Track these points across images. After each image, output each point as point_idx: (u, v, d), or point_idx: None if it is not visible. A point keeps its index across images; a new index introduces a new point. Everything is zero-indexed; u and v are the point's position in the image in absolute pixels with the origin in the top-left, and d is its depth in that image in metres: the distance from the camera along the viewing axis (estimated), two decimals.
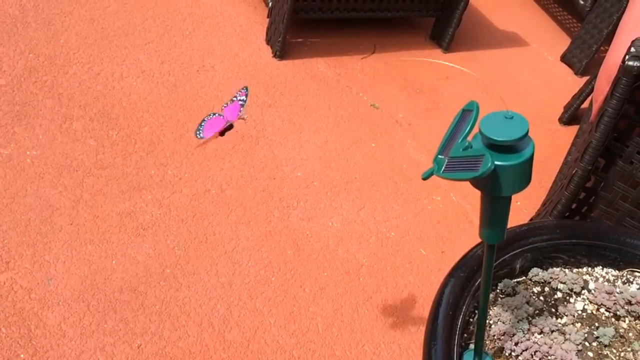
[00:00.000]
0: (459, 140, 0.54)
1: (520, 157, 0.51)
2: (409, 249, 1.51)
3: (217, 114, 0.88)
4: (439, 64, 2.24)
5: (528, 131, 0.51)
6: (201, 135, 0.87)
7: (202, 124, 0.87)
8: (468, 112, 0.55)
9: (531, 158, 0.52)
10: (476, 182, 0.54)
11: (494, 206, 0.57)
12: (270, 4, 1.99)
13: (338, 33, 2.19)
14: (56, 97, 1.57)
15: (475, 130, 0.54)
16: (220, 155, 1.57)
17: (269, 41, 2.01)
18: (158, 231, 1.35)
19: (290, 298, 1.31)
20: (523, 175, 0.53)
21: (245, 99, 0.86)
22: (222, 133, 0.87)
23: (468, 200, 1.70)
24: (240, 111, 0.85)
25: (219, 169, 1.53)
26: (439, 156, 0.55)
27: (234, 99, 0.86)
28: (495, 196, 0.54)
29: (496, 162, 0.51)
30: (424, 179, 0.54)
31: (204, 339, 1.19)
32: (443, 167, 0.54)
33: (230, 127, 0.87)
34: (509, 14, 2.79)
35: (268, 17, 2.01)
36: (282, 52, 1.96)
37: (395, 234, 1.54)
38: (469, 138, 0.54)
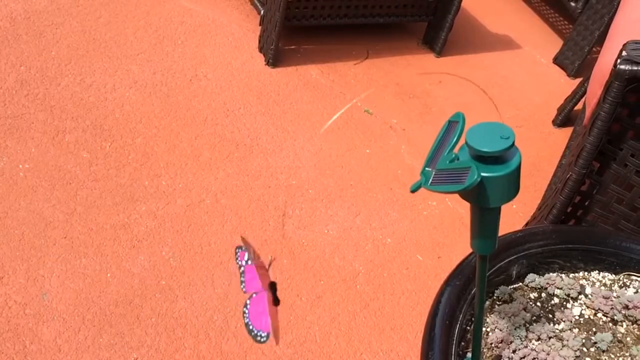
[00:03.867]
0: (446, 153, 0.53)
1: (507, 168, 0.51)
2: (406, 255, 1.50)
3: (249, 301, 0.64)
4: (431, 68, 2.24)
5: (514, 142, 0.51)
6: (263, 334, 0.61)
7: (251, 327, 0.62)
8: (454, 124, 0.55)
9: (518, 169, 0.52)
10: (464, 194, 0.54)
11: (484, 217, 0.57)
12: (262, 11, 1.99)
13: (331, 39, 2.19)
14: (48, 110, 1.56)
15: (462, 141, 0.54)
16: (215, 164, 1.57)
17: (261, 49, 2.00)
18: (153, 242, 1.34)
19: (287, 307, 1.31)
20: (510, 186, 0.52)
21: (249, 254, 0.64)
22: (276, 302, 0.62)
23: (463, 205, 1.69)
24: (257, 266, 0.63)
25: (213, 179, 1.53)
26: (426, 168, 0.55)
27: (241, 268, 0.65)
28: (484, 207, 0.54)
29: (483, 174, 0.50)
30: (413, 191, 0.53)
31: (200, 350, 1.18)
32: (430, 180, 0.53)
33: (274, 287, 0.63)
34: (500, 17, 2.79)
35: (260, 24, 2.01)
36: (275, 59, 1.96)
37: (391, 240, 1.53)
38: (456, 150, 0.54)
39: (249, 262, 0.64)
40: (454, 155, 0.53)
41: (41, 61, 1.70)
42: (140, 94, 1.70)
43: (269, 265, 0.64)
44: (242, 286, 0.64)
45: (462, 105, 2.10)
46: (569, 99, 2.11)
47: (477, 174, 0.49)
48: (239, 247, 0.64)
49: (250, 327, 0.62)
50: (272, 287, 0.62)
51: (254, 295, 0.63)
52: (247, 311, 0.62)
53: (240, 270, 0.64)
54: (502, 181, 0.51)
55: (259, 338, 0.61)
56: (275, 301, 0.62)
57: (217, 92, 1.80)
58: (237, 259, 0.65)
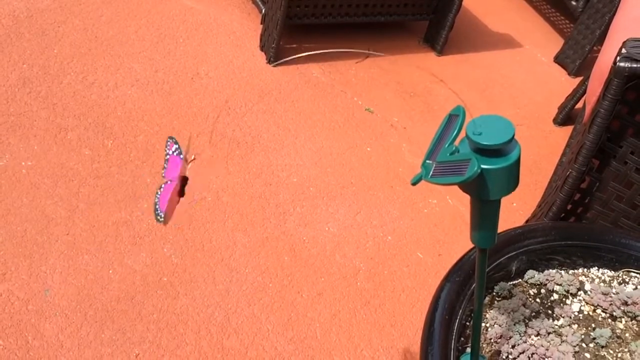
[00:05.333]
0: (446, 145, 0.54)
1: (507, 160, 0.52)
2: (406, 253, 1.51)
3: (163, 185, 0.74)
4: (432, 67, 2.24)
5: (514, 135, 0.51)
6: (162, 217, 0.73)
7: (157, 205, 0.72)
8: (455, 117, 0.56)
9: (518, 161, 0.53)
10: (464, 186, 0.54)
11: (484, 210, 0.57)
12: (263, 10, 2.00)
13: (332, 38, 2.20)
14: (51, 107, 1.57)
15: (462, 134, 0.54)
16: (216, 162, 1.57)
17: (263, 47, 2.01)
18: (154, 240, 1.35)
19: (287, 304, 1.31)
20: (510, 178, 0.53)
21: (178, 147, 0.73)
22: (181, 193, 0.74)
23: (464, 202, 1.70)
24: (182, 159, 0.73)
25: (215, 176, 1.53)
26: (427, 161, 0.56)
27: (167, 156, 0.74)
28: (483, 200, 0.55)
29: (482, 166, 0.51)
30: (413, 184, 0.54)
31: (202, 347, 1.19)
32: (431, 172, 0.54)
33: (185, 181, 0.74)
34: (502, 16, 2.80)
35: (262, 23, 2.02)
36: (276, 58, 1.96)
37: (392, 237, 1.54)
38: (456, 142, 0.55)
39: (175, 153, 0.72)
40: (454, 148, 0.53)
41: (43, 59, 1.70)
42: (142, 91, 1.71)
43: (189, 162, 0.73)
44: (163, 171, 0.73)
45: (463, 103, 2.10)
46: (570, 97, 2.11)
47: (477, 165, 0.50)
48: (171, 138, 0.72)
49: (157, 206, 0.71)
50: (183, 180, 0.73)
51: (169, 182, 0.72)
52: (159, 192, 0.72)
53: (166, 158, 0.72)
54: (502, 173, 0.52)
55: (157, 216, 0.72)
56: (181, 192, 0.73)
57: (218, 90, 1.80)
58: (166, 147, 0.73)
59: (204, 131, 1.65)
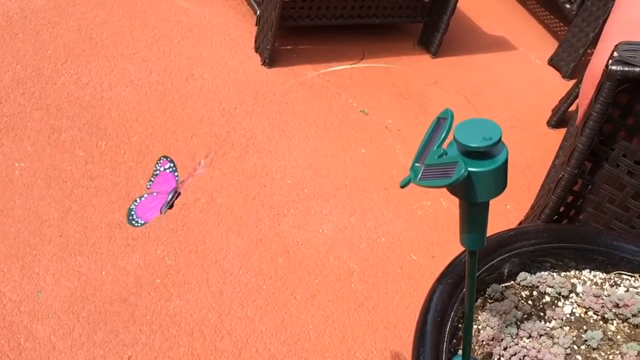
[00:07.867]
0: (434, 148, 0.54)
1: (494, 163, 0.52)
2: (400, 255, 1.51)
3: (146, 195, 0.78)
4: (427, 69, 2.25)
5: (501, 137, 0.52)
6: (140, 221, 0.78)
7: (133, 212, 0.78)
8: (443, 120, 0.56)
9: (505, 164, 0.53)
10: (452, 189, 0.55)
11: (472, 212, 0.58)
12: (258, 12, 2.00)
13: (327, 40, 2.20)
14: (44, 108, 1.57)
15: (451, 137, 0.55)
16: (210, 163, 1.57)
17: (257, 49, 2.01)
18: (148, 241, 1.34)
19: (281, 306, 1.31)
20: (497, 181, 0.53)
21: (172, 166, 0.78)
22: (171, 205, 0.78)
23: (458, 205, 1.70)
24: (176, 177, 0.78)
25: (208, 178, 1.53)
26: (416, 164, 0.56)
27: (156, 172, 0.79)
28: (472, 202, 0.55)
29: (470, 169, 0.51)
30: (402, 186, 0.54)
31: (195, 348, 1.19)
32: (419, 175, 0.54)
33: (178, 195, 0.78)
34: (496, 18, 2.80)
35: (256, 25, 2.02)
36: (271, 59, 1.96)
37: (386, 239, 1.54)
38: (445, 145, 0.55)
39: (169, 170, 0.76)
40: (442, 151, 0.54)
41: (37, 60, 1.70)
42: (136, 93, 1.70)
43: (189, 177, 0.76)
44: (148, 183, 0.77)
45: (458, 105, 2.11)
46: (564, 100, 2.12)
47: (464, 168, 0.50)
48: (165, 157, 0.76)
49: (133, 212, 0.77)
50: (175, 195, 0.77)
51: (154, 194, 0.77)
52: (138, 201, 0.77)
53: (155, 173, 0.76)
54: (489, 176, 0.52)
55: (134, 222, 0.77)
56: (171, 206, 0.77)
57: (213, 91, 1.80)
58: (157, 163, 0.77)
59: (198, 133, 1.65)
